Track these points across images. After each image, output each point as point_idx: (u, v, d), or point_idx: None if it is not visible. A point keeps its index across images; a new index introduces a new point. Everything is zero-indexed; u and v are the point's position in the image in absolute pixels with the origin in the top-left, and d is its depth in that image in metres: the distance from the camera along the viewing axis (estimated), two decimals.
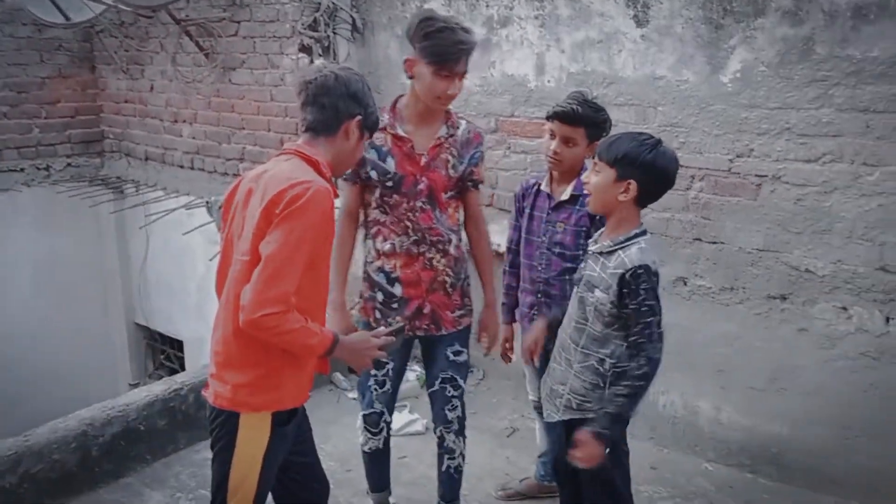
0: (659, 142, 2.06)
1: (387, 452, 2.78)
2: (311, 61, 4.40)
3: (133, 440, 3.27)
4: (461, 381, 2.62)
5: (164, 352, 5.99)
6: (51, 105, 5.63)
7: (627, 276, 2.01)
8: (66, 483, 3.05)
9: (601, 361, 2.12)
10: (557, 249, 2.54)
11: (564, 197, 2.53)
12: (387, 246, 2.47)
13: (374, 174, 2.41)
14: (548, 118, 2.53)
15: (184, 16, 4.93)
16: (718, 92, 3.10)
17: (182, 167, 5.37)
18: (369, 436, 2.70)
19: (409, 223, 2.44)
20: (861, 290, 2.87)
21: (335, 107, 1.98)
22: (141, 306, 5.80)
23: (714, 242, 3.20)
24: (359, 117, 2.00)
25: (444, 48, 2.28)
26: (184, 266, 5.34)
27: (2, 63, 5.35)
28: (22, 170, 5.50)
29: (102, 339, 5.95)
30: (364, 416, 2.68)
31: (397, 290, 2.50)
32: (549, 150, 2.50)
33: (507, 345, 2.84)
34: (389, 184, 2.41)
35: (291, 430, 2.05)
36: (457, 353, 2.60)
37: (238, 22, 4.81)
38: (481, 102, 3.89)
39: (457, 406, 2.63)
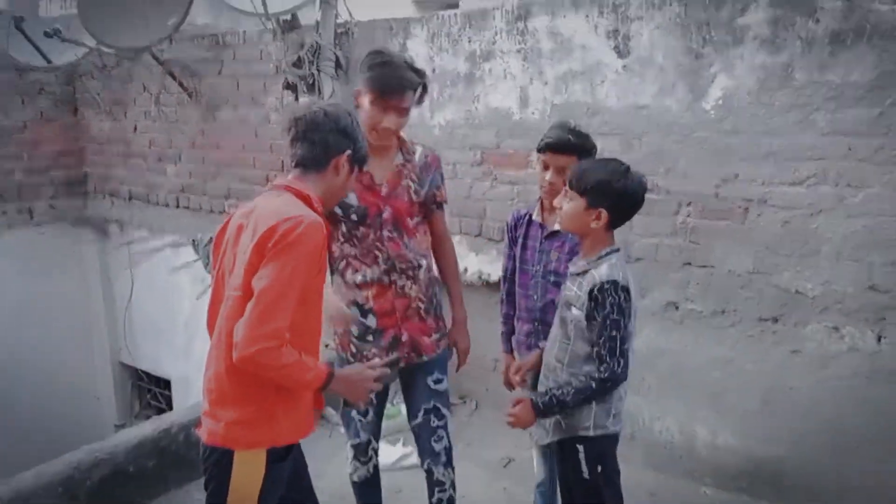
0: (627, 169, 2.15)
1: (377, 483, 2.75)
2: (297, 99, 4.44)
3: (122, 483, 3.19)
4: (445, 411, 2.60)
5: (150, 391, 5.90)
6: (33, 148, 5.63)
7: (595, 290, 2.09)
8: None
9: (575, 376, 2.16)
10: (552, 278, 2.54)
11: (557, 227, 2.54)
12: (358, 278, 2.46)
13: (337, 210, 2.40)
14: (539, 150, 2.56)
15: (167, 57, 4.96)
16: (701, 119, 3.16)
17: (167, 206, 5.36)
18: (358, 464, 2.68)
19: (378, 253, 2.44)
20: (851, 310, 2.90)
21: (325, 142, 2.00)
22: (127, 346, 5.73)
23: (704, 266, 3.23)
24: (348, 152, 2.02)
25: (383, 80, 2.33)
26: (170, 305, 5.29)
27: None
28: (4, 213, 5.47)
29: (88, 380, 5.86)
30: (352, 445, 2.66)
31: (371, 321, 2.48)
32: (545, 181, 2.53)
33: (509, 373, 2.84)
34: (354, 217, 2.42)
35: (287, 466, 2.01)
36: (437, 382, 2.58)
37: (221, 62, 4.85)
38: (467, 135, 3.93)
39: (443, 437, 2.59)
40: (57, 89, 5.71)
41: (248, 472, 1.93)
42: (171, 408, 5.33)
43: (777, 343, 3.08)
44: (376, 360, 2.14)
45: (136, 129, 5.46)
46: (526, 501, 3.13)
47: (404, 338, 2.50)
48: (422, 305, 2.52)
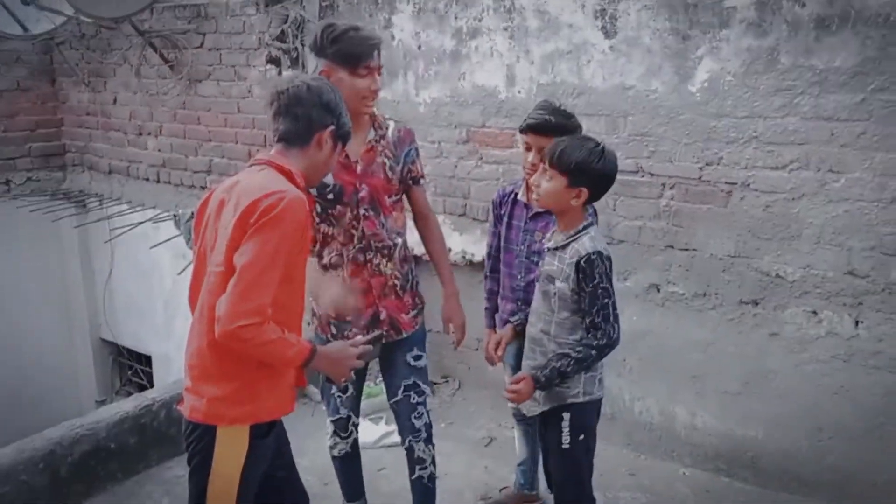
0: (603, 148, 2.19)
1: (357, 457, 2.77)
2: (280, 73, 4.38)
3: (103, 459, 3.19)
4: (424, 387, 2.61)
5: (131, 367, 5.87)
6: (9, 118, 5.51)
7: (582, 262, 2.15)
8: None
9: (572, 347, 2.21)
10: (536, 258, 2.55)
11: (538, 207, 2.55)
12: (333, 258, 2.45)
13: (313, 190, 2.38)
14: (521, 131, 2.55)
15: (147, 27, 4.86)
16: (687, 101, 3.16)
17: (147, 180, 5.29)
18: (338, 439, 2.69)
19: (354, 231, 2.42)
20: (830, 294, 2.93)
21: (308, 117, 1.97)
22: (107, 321, 5.68)
23: (686, 249, 3.25)
24: (332, 127, 2.00)
25: (355, 47, 2.30)
26: (151, 281, 5.25)
27: None
28: None
29: (67, 355, 5.82)
30: (332, 421, 2.68)
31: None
32: (527, 161, 2.52)
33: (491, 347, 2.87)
34: (331, 196, 2.39)
35: (270, 442, 2.02)
36: (416, 358, 2.59)
37: (203, 34, 4.77)
38: (452, 113, 3.90)
39: (423, 413, 2.61)
40: (34, 58, 5.58)
41: (231, 447, 1.92)
42: (152, 384, 5.31)
43: (757, 326, 3.12)
44: (359, 338, 2.13)
45: (115, 100, 5.37)
46: (507, 479, 3.17)
47: (383, 316, 2.49)
48: (398, 283, 2.52)
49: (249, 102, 4.61)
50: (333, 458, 2.75)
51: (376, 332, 2.31)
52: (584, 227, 2.21)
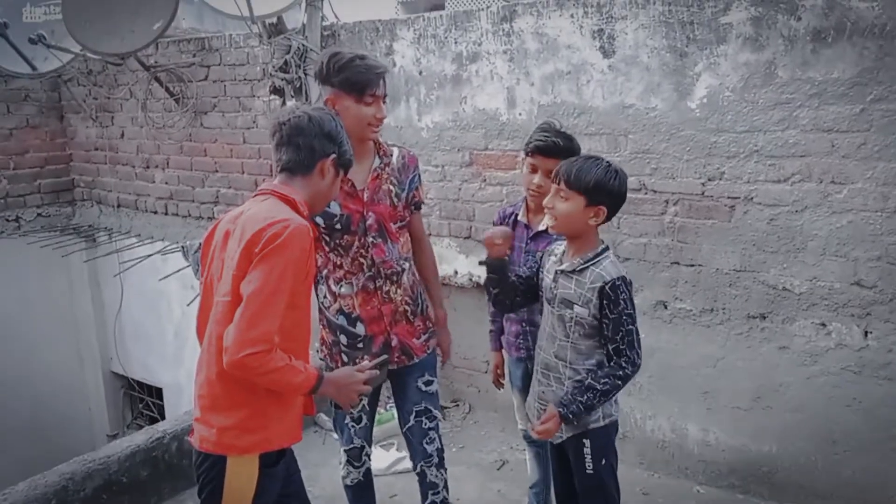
0: (615, 166, 2.19)
1: (370, 486, 2.76)
2: (284, 102, 4.43)
3: (115, 493, 3.18)
4: (436, 412, 2.61)
5: (142, 400, 5.88)
6: (19, 156, 5.59)
7: (607, 288, 2.12)
8: None
9: (589, 372, 2.18)
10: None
11: (542, 227, 2.55)
12: (343, 287, 2.45)
13: (320, 221, 2.39)
14: (528, 153, 2.57)
15: (153, 62, 4.94)
16: (687, 118, 3.17)
17: (155, 213, 5.34)
18: (351, 469, 2.68)
19: (362, 260, 2.43)
20: (838, 305, 2.92)
21: (310, 146, 2.00)
22: (118, 355, 5.70)
23: (692, 265, 3.25)
24: (333, 156, 2.03)
25: (361, 75, 2.31)
26: (160, 312, 5.27)
27: None
28: None
29: (78, 389, 5.84)
30: (346, 451, 2.67)
31: (360, 329, 2.48)
32: (532, 183, 2.54)
33: (499, 371, 2.88)
34: (338, 226, 2.40)
35: (280, 470, 2.02)
36: (427, 384, 2.59)
37: (208, 66, 4.84)
38: (455, 137, 3.93)
39: (434, 438, 2.60)
40: (42, 96, 5.67)
41: (242, 477, 1.93)
42: (163, 417, 5.31)
43: (766, 340, 3.10)
44: (365, 363, 2.13)
45: (123, 135, 5.44)
46: (520, 502, 3.14)
47: (394, 342, 2.50)
48: (408, 308, 2.52)
49: (254, 133, 4.66)
50: (346, 486, 2.74)
51: (382, 357, 2.30)
52: (602, 251, 2.19)
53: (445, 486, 2.65)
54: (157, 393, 5.67)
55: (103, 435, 5.65)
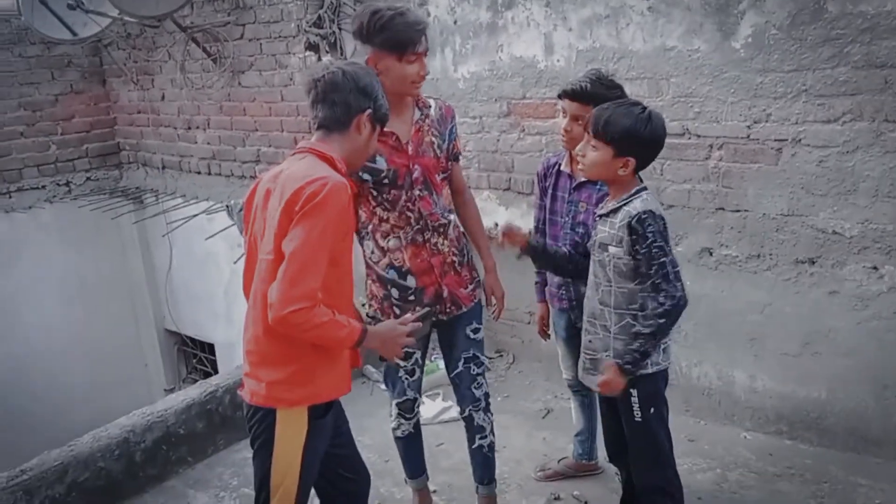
0: (651, 113, 2.12)
1: (419, 436, 2.82)
2: (319, 58, 4.41)
3: (174, 444, 3.32)
4: (483, 358, 2.65)
5: (196, 356, 6.06)
6: (66, 121, 5.69)
7: (633, 221, 2.09)
8: (112, 490, 3.12)
9: (635, 317, 2.17)
10: (581, 229, 2.54)
11: (585, 177, 2.52)
12: (391, 241, 2.47)
13: (367, 176, 2.39)
14: (559, 97, 2.53)
15: (189, 23, 4.95)
16: (731, 59, 3.07)
17: (199, 173, 5.42)
18: (402, 420, 2.74)
19: (410, 213, 2.44)
20: (891, 248, 2.83)
21: (346, 102, 1.99)
22: (170, 313, 5.87)
23: (737, 211, 3.18)
24: (369, 111, 2.01)
25: (402, 33, 2.27)
26: (209, 270, 5.39)
27: (14, 83, 5.41)
28: (43, 187, 5.58)
29: (134, 347, 6.04)
30: (398, 403, 2.71)
31: (411, 281, 2.49)
32: (560, 128, 2.51)
33: (543, 322, 2.88)
34: (385, 181, 2.40)
35: (329, 422, 2.07)
36: (475, 331, 2.62)
37: (243, 25, 4.82)
38: (492, 87, 3.88)
39: (482, 383, 2.65)
40: (84, 61, 5.74)
41: (292, 429, 1.98)
42: (216, 371, 5.47)
43: (815, 285, 3.04)
44: (408, 315, 2.14)
45: (163, 97, 5.50)
46: (566, 450, 3.18)
47: (444, 293, 2.52)
48: (455, 259, 2.54)
49: (292, 90, 4.66)
50: (397, 438, 2.81)
51: (425, 310, 2.31)
52: (636, 191, 2.16)
53: (492, 431, 2.71)
54: (210, 348, 5.83)
55: (160, 390, 5.86)
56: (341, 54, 4.32)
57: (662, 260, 2.09)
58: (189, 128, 5.39)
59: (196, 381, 4.76)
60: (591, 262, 2.27)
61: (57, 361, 5.47)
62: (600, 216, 2.23)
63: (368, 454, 3.38)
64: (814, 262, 3.03)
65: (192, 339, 5.98)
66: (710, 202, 3.25)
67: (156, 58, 5.39)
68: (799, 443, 3.19)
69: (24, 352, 5.35)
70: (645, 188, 2.19)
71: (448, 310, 2.54)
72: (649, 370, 2.21)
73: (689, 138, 3.23)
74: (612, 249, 2.16)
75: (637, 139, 2.09)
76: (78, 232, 5.63)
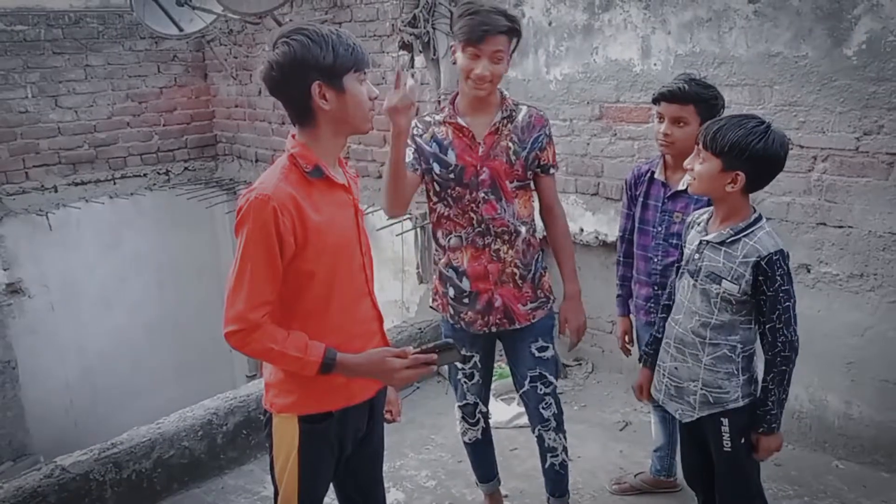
0: (768, 127, 1.96)
1: (489, 443, 2.78)
2: (412, 58, 4.45)
3: (254, 429, 3.40)
4: (551, 378, 2.54)
5: None
6: (168, 113, 5.96)
7: (763, 263, 1.95)
8: (194, 469, 3.23)
9: (733, 349, 2.07)
10: (675, 240, 2.44)
11: (682, 186, 2.42)
12: (452, 240, 2.43)
13: (436, 167, 2.37)
14: (654, 101, 2.45)
15: (287, 20, 5.08)
16: (842, 66, 2.91)
17: None
18: (467, 426, 2.71)
19: (472, 214, 2.38)
20: None
21: (290, 94, 1.77)
22: None
23: (840, 227, 3.01)
24: (317, 81, 1.72)
25: (470, 27, 2.26)
26: None
27: (124, 75, 5.69)
28: (144, 175, 5.86)
29: (220, 332, 6.19)
30: (459, 406, 2.69)
31: (465, 284, 2.45)
32: (659, 133, 2.43)
33: (627, 337, 2.80)
34: (451, 175, 2.37)
35: (329, 427, 1.88)
36: (542, 350, 2.51)
37: (339, 23, 4.91)
38: (584, 89, 3.82)
39: (551, 403, 2.55)
40: (188, 56, 6.00)
41: (285, 434, 1.87)
42: None
43: None
44: (408, 348, 1.85)
45: (260, 92, 5.66)
46: (643, 464, 3.10)
47: (497, 303, 2.45)
48: (517, 271, 2.45)
49: (383, 89, 4.67)
50: (465, 443, 2.78)
51: (443, 341, 1.99)
52: (756, 221, 2.00)
53: (565, 450, 2.63)
54: None
55: (243, 376, 6.03)
56: (434, 53, 4.34)
57: (787, 304, 1.98)
58: (283, 123, 5.53)
59: None
60: (688, 287, 2.12)
61: (147, 341, 5.73)
62: (709, 242, 2.05)
63: (441, 453, 3.39)
64: None
65: None
66: (810, 216, 3.10)
67: (255, 54, 5.57)
68: None
69: (120, 330, 5.63)
70: (761, 216, 2.03)
71: (499, 321, 2.46)
72: (740, 403, 2.10)
73: (792, 148, 3.07)
74: (725, 284, 2.01)
75: (748, 152, 1.93)
76: (174, 219, 5.88)
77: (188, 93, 6.05)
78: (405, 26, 4.37)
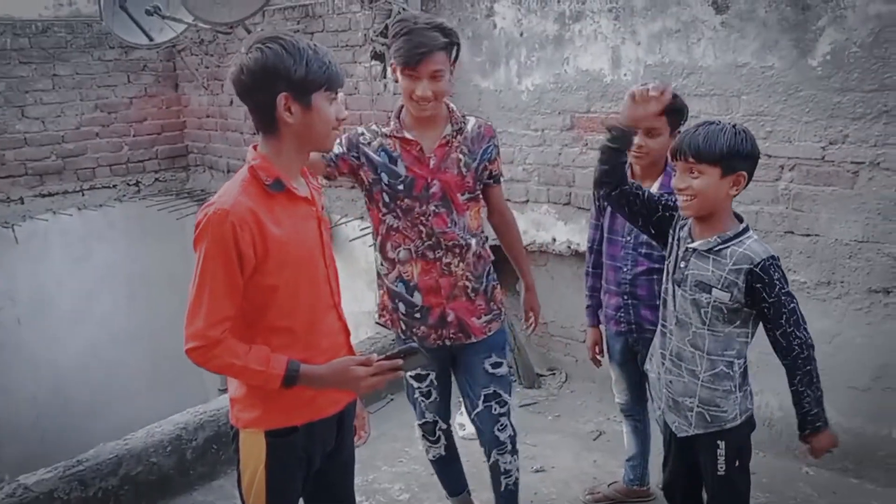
0: (735, 125, 1.99)
1: (453, 459, 2.75)
2: (384, 68, 4.45)
3: (224, 444, 3.34)
4: (506, 397, 2.48)
5: None
6: (138, 123, 5.88)
7: (758, 269, 1.94)
8: (163, 485, 3.16)
9: (730, 365, 2.05)
10: (644, 249, 2.45)
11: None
12: (401, 253, 2.38)
13: (385, 177, 2.32)
14: None
15: (259, 30, 5.05)
16: (807, 76, 2.96)
17: None
18: (428, 444, 2.68)
19: (422, 227, 2.33)
20: None
21: (256, 101, 1.73)
22: None
23: (807, 235, 3.05)
24: (284, 93, 1.69)
25: (406, 49, 2.20)
26: None
27: (93, 85, 5.61)
28: (114, 186, 5.77)
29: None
30: (419, 425, 2.66)
31: (417, 298, 2.39)
32: (633, 144, 2.43)
33: (598, 348, 2.80)
34: (401, 187, 2.32)
35: (297, 441, 1.84)
36: (495, 365, 2.46)
37: (311, 33, 4.90)
38: (556, 100, 3.83)
39: (506, 425, 2.50)
40: (159, 66, 5.93)
41: (251, 449, 1.84)
42: None
43: (889, 316, 2.89)
44: (373, 355, 1.84)
45: (231, 102, 5.62)
46: (616, 474, 3.09)
47: (450, 317, 2.40)
48: (469, 285, 2.40)
49: (356, 99, 4.70)
50: (430, 460, 2.76)
51: (407, 345, 1.92)
52: (743, 230, 2.00)
53: (517, 469, 2.58)
54: None
55: (215, 389, 5.95)
56: None
57: (793, 306, 1.97)
58: (255, 133, 5.46)
59: None
60: (678, 297, 2.08)
61: (118, 354, 5.63)
62: (695, 250, 2.02)
63: (414, 465, 3.36)
64: (889, 292, 2.88)
65: None
66: (778, 225, 3.13)
67: (226, 64, 5.52)
68: (866, 482, 3.03)
69: (89, 343, 5.52)
70: (747, 225, 2.03)
71: (453, 335, 2.41)
72: (738, 421, 2.09)
73: (759, 158, 3.12)
74: (715, 293, 1.98)
75: (743, 152, 1.94)
76: (145, 230, 5.80)
77: (158, 103, 5.98)
78: (377, 36, 4.37)
